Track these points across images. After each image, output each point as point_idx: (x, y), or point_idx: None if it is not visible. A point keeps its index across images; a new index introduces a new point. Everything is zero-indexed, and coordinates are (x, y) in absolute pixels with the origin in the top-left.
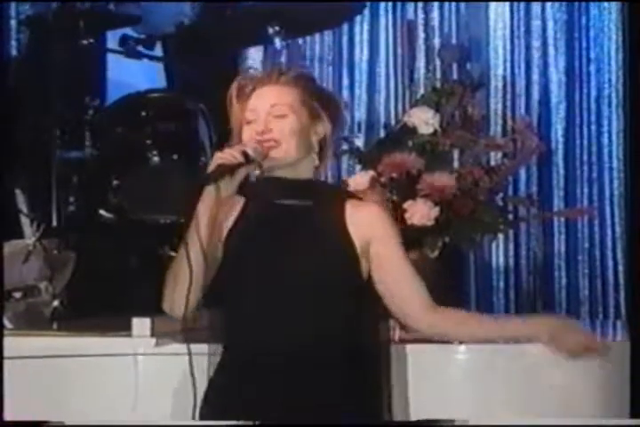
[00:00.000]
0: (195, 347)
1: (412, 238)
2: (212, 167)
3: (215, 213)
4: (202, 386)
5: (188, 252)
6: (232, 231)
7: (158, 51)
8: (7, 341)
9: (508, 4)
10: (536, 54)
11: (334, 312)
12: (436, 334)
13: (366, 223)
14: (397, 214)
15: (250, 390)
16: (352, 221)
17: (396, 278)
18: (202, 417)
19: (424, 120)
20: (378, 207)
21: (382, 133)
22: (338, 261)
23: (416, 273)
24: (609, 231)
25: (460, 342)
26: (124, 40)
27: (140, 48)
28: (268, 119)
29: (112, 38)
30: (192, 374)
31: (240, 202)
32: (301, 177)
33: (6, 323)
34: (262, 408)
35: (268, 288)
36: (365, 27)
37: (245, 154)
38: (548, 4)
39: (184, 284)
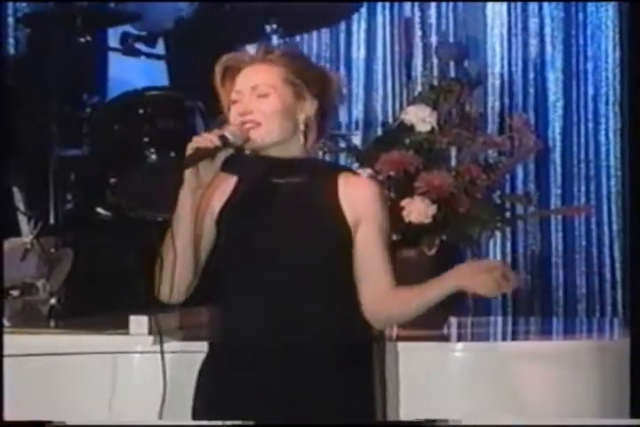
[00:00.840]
0: (193, 345)
1: (409, 236)
2: (188, 151)
3: (198, 196)
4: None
5: (173, 239)
6: (225, 210)
7: (160, 48)
8: (4, 339)
9: (505, 2)
10: (533, 52)
11: (330, 288)
12: (387, 322)
13: (358, 201)
14: (395, 212)
15: (243, 381)
16: (345, 196)
17: (363, 263)
18: (195, 414)
19: (421, 118)
20: (371, 183)
21: (380, 131)
22: (332, 236)
23: (384, 264)
24: (606, 229)
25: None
26: (124, 38)
27: (141, 45)
28: (250, 100)
29: (113, 36)
30: (164, 372)
31: (233, 181)
32: (292, 155)
33: (4, 321)
34: (255, 403)
35: (262, 266)
36: (363, 25)
37: (223, 137)
38: (545, 2)
39: (168, 270)
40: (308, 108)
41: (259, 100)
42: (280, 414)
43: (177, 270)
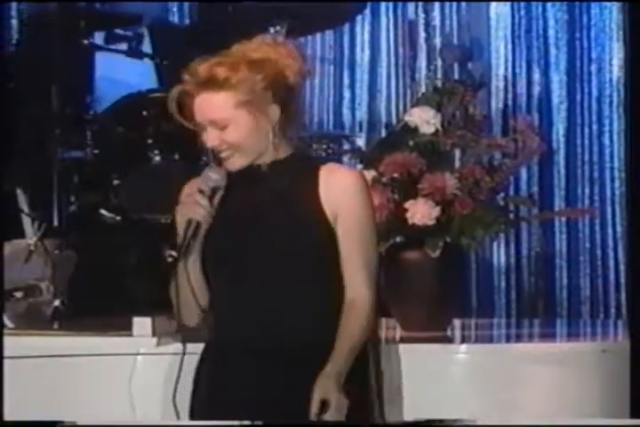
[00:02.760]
0: (195, 347)
1: (413, 238)
2: (183, 226)
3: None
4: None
5: (192, 286)
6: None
7: (164, 50)
8: (8, 340)
9: (509, 3)
10: (537, 54)
11: (315, 285)
12: None
13: (335, 193)
14: (399, 214)
15: (237, 380)
16: (324, 189)
17: (343, 260)
18: (192, 414)
19: (425, 120)
20: (350, 175)
21: (384, 133)
22: (311, 232)
23: (360, 262)
24: (610, 231)
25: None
26: (109, 38)
27: (146, 50)
28: (213, 133)
29: (119, 39)
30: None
31: None
32: (273, 159)
33: (7, 322)
34: (249, 402)
35: (246, 265)
36: (366, 26)
37: (213, 190)
38: (549, 4)
39: (190, 301)
40: (272, 116)
41: (221, 133)
42: (275, 413)
43: (197, 295)
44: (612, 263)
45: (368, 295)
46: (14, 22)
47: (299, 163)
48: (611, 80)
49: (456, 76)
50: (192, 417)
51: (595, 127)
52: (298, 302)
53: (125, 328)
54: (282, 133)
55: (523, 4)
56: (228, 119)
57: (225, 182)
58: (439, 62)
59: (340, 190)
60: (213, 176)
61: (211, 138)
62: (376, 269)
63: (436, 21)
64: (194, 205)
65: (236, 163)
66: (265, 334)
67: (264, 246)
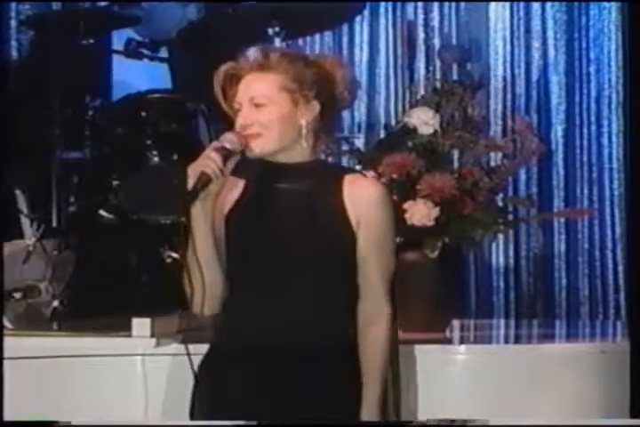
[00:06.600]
0: (193, 347)
1: (412, 239)
2: (192, 177)
3: (210, 203)
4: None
5: (195, 252)
6: (231, 215)
7: (164, 51)
8: (7, 341)
9: (507, 4)
10: (536, 55)
11: (332, 291)
12: None
13: (360, 201)
14: (397, 215)
15: (240, 381)
16: (349, 197)
17: (359, 269)
18: (192, 414)
19: (424, 121)
20: (375, 185)
21: (382, 134)
22: (335, 238)
23: (376, 274)
24: (609, 232)
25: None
26: (129, 43)
27: (145, 51)
28: (249, 112)
29: (118, 40)
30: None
31: (241, 185)
32: (298, 160)
33: (6, 323)
34: (259, 404)
35: (265, 270)
36: (365, 27)
37: (224, 149)
38: (548, 5)
39: (198, 283)
40: (310, 111)
41: (256, 112)
42: (279, 414)
43: (206, 282)
44: (610, 264)
45: (387, 310)
46: (14, 22)
47: (324, 168)
48: (609, 81)
49: (455, 77)
50: (192, 417)
51: (593, 128)
52: (311, 305)
53: (125, 329)
54: (314, 137)
55: (522, 4)
56: (269, 98)
57: (240, 148)
58: (438, 63)
59: (364, 199)
60: (230, 137)
61: (244, 115)
62: (392, 278)
63: (435, 22)
64: (206, 159)
65: (261, 145)
66: (278, 336)
67: (287, 252)
